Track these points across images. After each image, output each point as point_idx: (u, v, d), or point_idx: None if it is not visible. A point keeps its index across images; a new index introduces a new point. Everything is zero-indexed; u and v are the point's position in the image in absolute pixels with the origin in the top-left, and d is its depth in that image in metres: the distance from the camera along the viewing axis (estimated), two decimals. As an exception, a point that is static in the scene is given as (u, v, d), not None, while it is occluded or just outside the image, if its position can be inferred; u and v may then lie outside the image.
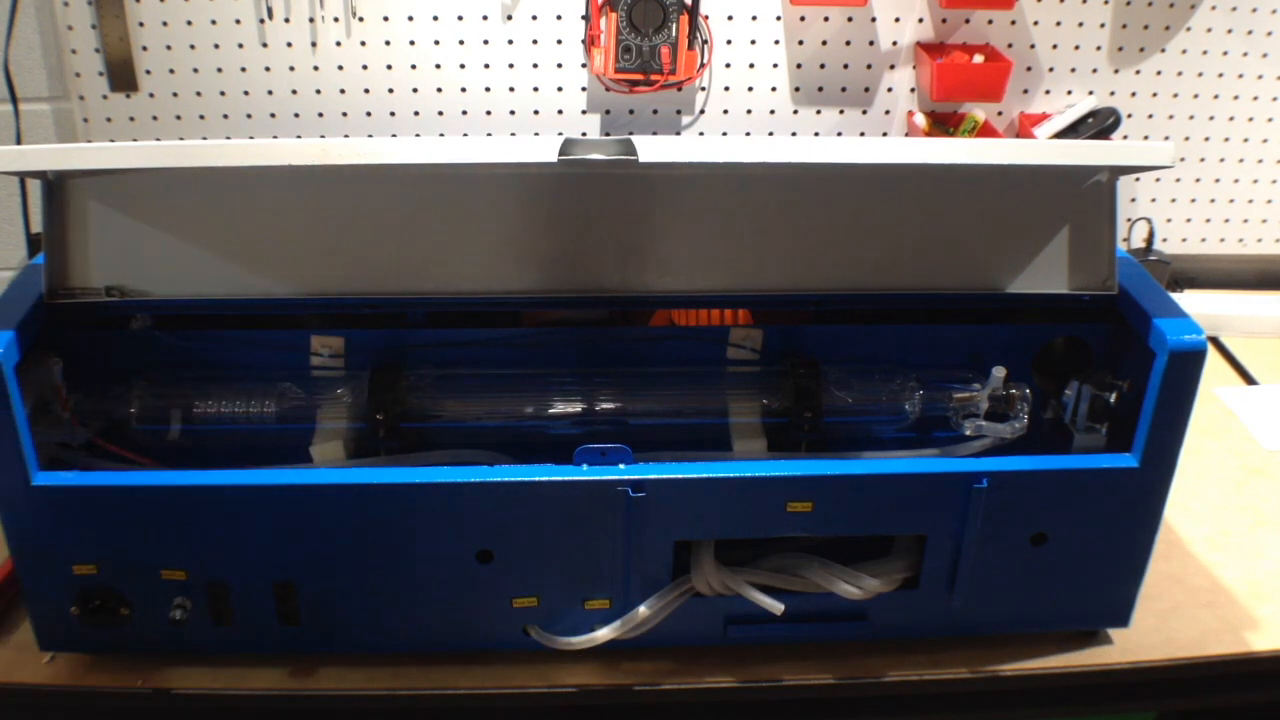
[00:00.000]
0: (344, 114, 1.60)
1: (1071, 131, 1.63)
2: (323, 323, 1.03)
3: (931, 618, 1.01)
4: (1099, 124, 1.62)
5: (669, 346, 1.07)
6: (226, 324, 1.02)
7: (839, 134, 1.67)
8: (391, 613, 0.97)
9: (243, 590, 0.95)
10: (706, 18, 1.56)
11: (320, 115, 1.60)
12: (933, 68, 1.57)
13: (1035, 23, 1.61)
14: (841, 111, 1.66)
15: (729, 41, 1.59)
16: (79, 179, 0.93)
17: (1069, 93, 1.66)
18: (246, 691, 0.98)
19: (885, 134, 1.68)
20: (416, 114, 1.61)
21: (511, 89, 1.60)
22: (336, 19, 1.54)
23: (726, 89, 1.63)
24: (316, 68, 1.57)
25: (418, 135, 1.62)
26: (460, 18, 1.55)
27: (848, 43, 1.61)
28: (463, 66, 1.58)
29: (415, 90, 1.59)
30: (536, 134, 1.64)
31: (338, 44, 1.55)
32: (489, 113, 1.62)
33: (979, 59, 1.58)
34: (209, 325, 1.02)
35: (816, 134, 1.67)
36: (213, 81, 1.57)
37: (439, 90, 1.60)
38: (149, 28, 1.53)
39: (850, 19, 1.59)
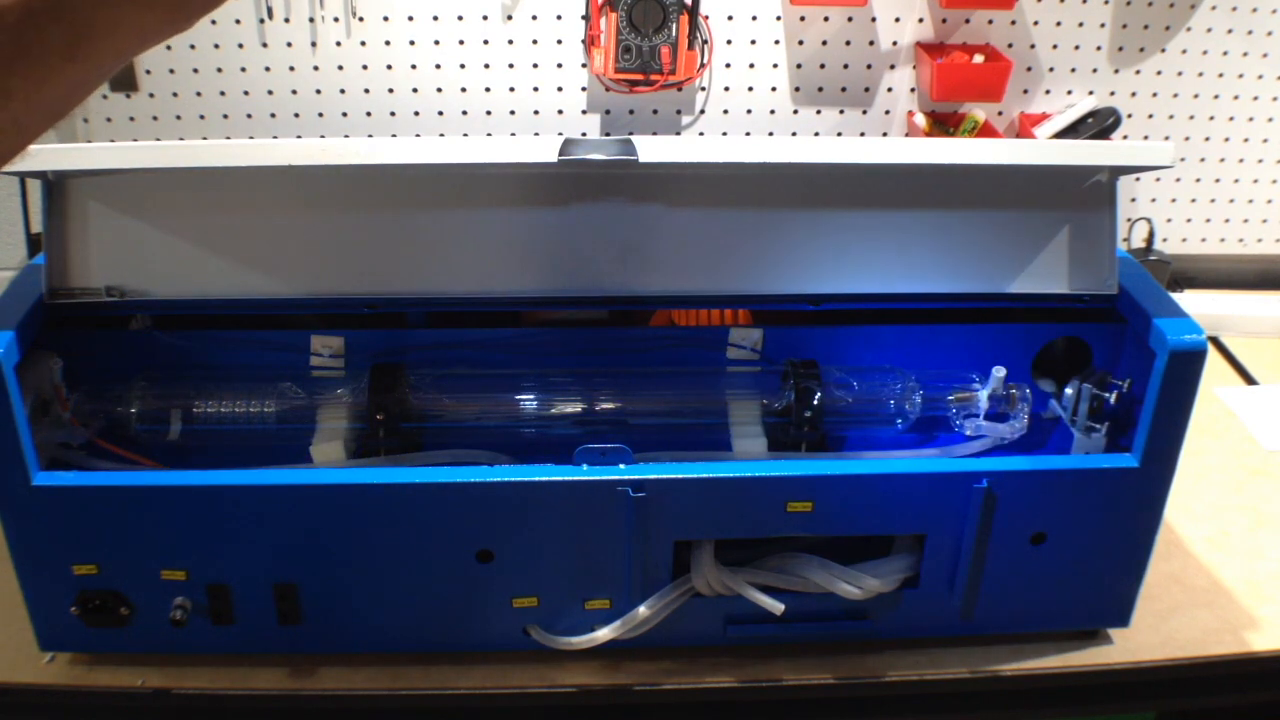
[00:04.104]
0: (344, 114, 1.60)
1: (1071, 131, 1.63)
2: (323, 323, 1.03)
3: (931, 618, 1.01)
4: (1099, 124, 1.62)
5: (669, 346, 1.07)
6: (226, 324, 1.02)
7: (839, 134, 1.67)
8: (391, 613, 0.97)
9: (243, 590, 0.95)
10: (706, 18, 1.56)
11: (320, 115, 1.60)
12: (933, 68, 1.57)
13: (1035, 23, 1.61)
14: (841, 111, 1.66)
15: (729, 41, 1.59)
16: (79, 179, 0.93)
17: (1069, 93, 1.66)
18: (246, 691, 0.98)
19: (885, 134, 1.68)
20: (416, 114, 1.61)
21: (511, 89, 1.60)
22: (336, 19, 1.54)
23: (726, 89, 1.63)
24: (316, 68, 1.57)
25: (418, 135, 1.62)
26: (460, 18, 1.55)
27: (848, 43, 1.61)
28: (463, 66, 1.58)
29: (415, 90, 1.59)
30: (536, 134, 1.64)
31: (338, 44, 1.55)
32: (489, 113, 1.62)
33: (979, 59, 1.58)
34: (209, 325, 1.02)
35: (816, 134, 1.67)
36: (213, 81, 1.57)
37: (439, 90, 1.60)
38: (149, 28, 1.53)
39: (850, 19, 1.59)
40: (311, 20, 1.54)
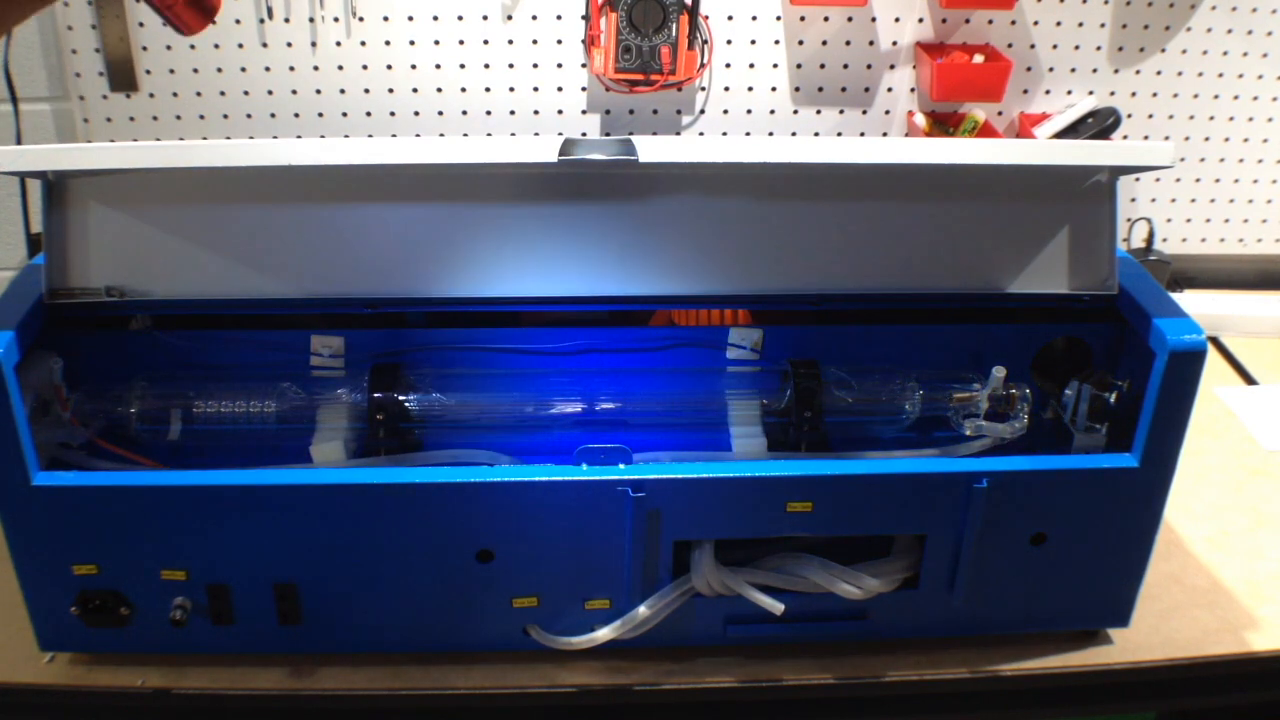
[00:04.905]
0: (344, 114, 1.60)
1: (1071, 131, 1.63)
2: (323, 323, 1.03)
3: (931, 618, 1.01)
4: (1099, 124, 1.62)
5: (669, 346, 1.07)
6: (226, 324, 1.02)
7: (839, 134, 1.67)
8: (392, 613, 0.97)
9: (243, 590, 0.95)
10: (706, 18, 1.56)
11: (320, 115, 1.60)
12: (933, 68, 1.57)
13: (1035, 23, 1.61)
14: (841, 111, 1.66)
15: (729, 41, 1.59)
16: (79, 179, 0.93)
17: (1069, 93, 1.66)
18: (246, 691, 0.98)
19: (885, 134, 1.68)
20: (416, 114, 1.61)
21: (511, 89, 1.60)
22: (336, 19, 1.54)
23: (726, 89, 1.63)
24: (316, 68, 1.57)
25: (418, 135, 1.62)
26: (460, 18, 1.55)
27: (848, 43, 1.61)
28: (463, 66, 1.58)
29: (415, 90, 1.59)
30: (536, 134, 1.64)
31: (338, 44, 1.55)
32: (489, 113, 1.62)
33: (979, 59, 1.58)
34: (209, 325, 1.02)
35: (816, 134, 1.67)
36: (213, 81, 1.57)
37: (439, 90, 1.60)
38: (149, 28, 1.53)
39: (850, 19, 1.59)
40: (311, 20, 1.54)
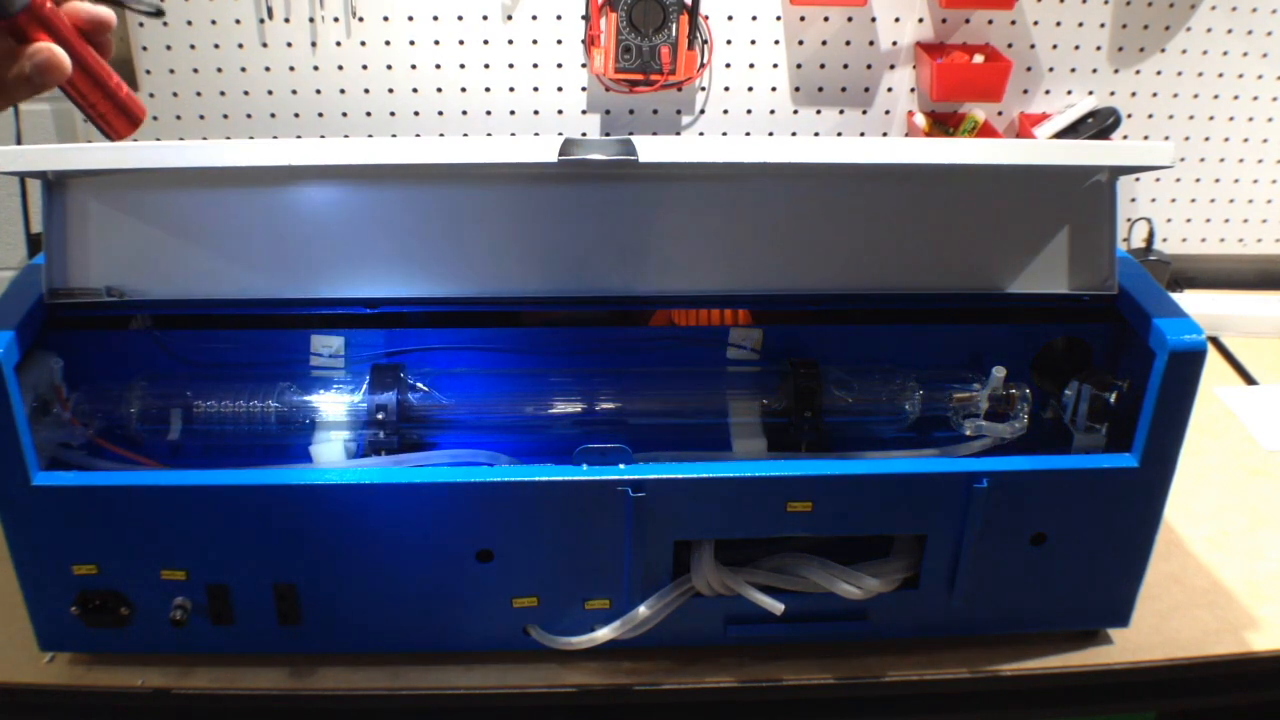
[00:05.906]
0: (344, 114, 1.60)
1: (1071, 131, 1.63)
2: (323, 323, 1.03)
3: (931, 618, 1.01)
4: (1099, 124, 1.62)
5: (669, 346, 1.07)
6: (226, 324, 1.02)
7: (839, 134, 1.67)
8: (392, 612, 0.97)
9: (243, 590, 0.95)
10: (706, 18, 1.56)
11: (320, 115, 1.60)
12: (933, 68, 1.57)
13: (1035, 23, 1.61)
14: (841, 111, 1.66)
15: (729, 41, 1.59)
16: (79, 179, 0.93)
17: (1069, 93, 1.66)
18: (246, 691, 0.98)
19: (885, 134, 1.68)
20: (416, 114, 1.61)
21: (511, 89, 1.60)
22: (336, 19, 1.54)
23: (726, 89, 1.63)
24: (316, 68, 1.57)
25: (418, 135, 1.62)
26: (460, 18, 1.55)
27: (848, 43, 1.61)
28: (463, 66, 1.58)
29: (415, 90, 1.59)
30: (536, 134, 1.64)
31: (338, 44, 1.55)
32: (489, 113, 1.62)
33: (979, 59, 1.58)
34: (209, 325, 1.02)
35: (816, 134, 1.67)
36: (213, 81, 1.57)
37: (439, 90, 1.60)
38: (149, 28, 1.53)
39: (850, 19, 1.59)
40: (311, 20, 1.54)
